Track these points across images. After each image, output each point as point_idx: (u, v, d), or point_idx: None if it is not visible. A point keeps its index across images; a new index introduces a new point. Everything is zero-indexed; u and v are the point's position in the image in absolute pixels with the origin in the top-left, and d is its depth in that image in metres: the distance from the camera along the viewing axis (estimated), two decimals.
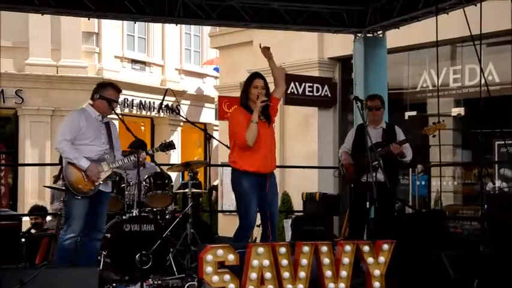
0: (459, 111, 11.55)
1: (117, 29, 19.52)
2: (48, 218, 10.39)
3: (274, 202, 6.11)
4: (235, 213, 6.48)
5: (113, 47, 19.56)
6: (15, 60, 18.27)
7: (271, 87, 6.20)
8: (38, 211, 10.32)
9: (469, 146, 11.49)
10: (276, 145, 6.18)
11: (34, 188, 16.83)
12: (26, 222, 10.31)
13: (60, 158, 6.21)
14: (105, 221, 6.30)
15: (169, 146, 6.56)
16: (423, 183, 11.47)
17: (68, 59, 18.47)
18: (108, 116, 6.25)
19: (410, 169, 10.93)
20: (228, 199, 14.75)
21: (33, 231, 8.92)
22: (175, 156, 20.56)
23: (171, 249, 6.80)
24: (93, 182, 5.92)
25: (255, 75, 6.14)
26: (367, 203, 6.23)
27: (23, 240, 7.84)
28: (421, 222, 6.56)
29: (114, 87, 6.26)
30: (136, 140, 7.35)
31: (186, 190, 7.32)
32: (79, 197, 5.89)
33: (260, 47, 6.16)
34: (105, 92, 6.10)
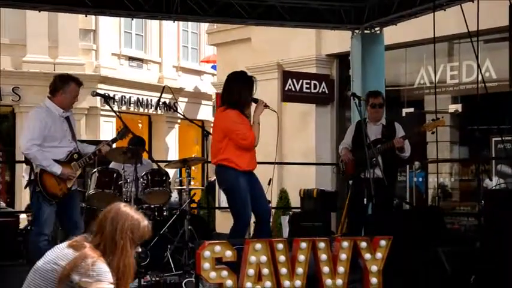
0: (456, 107, 11.56)
1: (115, 26, 19.51)
2: None
3: (264, 197, 6.14)
4: None
5: (110, 44, 19.55)
6: (12, 57, 18.26)
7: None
8: None
9: (466, 142, 11.51)
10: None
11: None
12: (23, 219, 10.31)
13: (27, 160, 5.96)
14: (80, 217, 6.25)
15: (125, 132, 6.43)
16: (420, 179, 11.48)
17: (65, 56, 18.45)
18: (105, 112, 6.22)
19: (408, 166, 10.94)
20: (225, 196, 14.76)
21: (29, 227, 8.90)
22: (172, 154, 20.59)
23: (169, 246, 6.80)
24: (67, 185, 5.87)
25: (252, 80, 6.23)
26: (365, 199, 6.24)
27: (21, 237, 7.83)
28: (419, 218, 6.57)
29: (76, 80, 6.04)
30: (135, 137, 7.35)
31: (184, 186, 7.32)
32: (53, 202, 5.85)
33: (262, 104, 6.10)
34: (69, 87, 5.91)
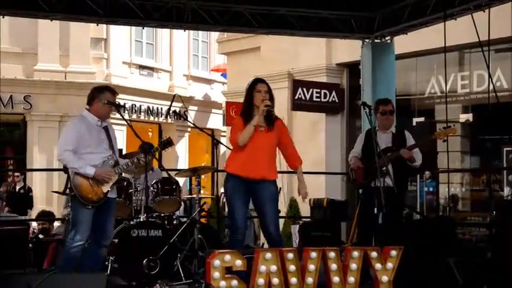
0: (467, 117, 11.52)
1: (125, 35, 19.59)
2: (56, 223, 10.43)
3: (266, 207, 6.02)
4: None
5: (121, 53, 19.63)
6: (24, 66, 18.37)
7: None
8: (45, 217, 10.36)
9: (477, 152, 11.46)
10: (274, 153, 6.11)
11: (42, 194, 16.85)
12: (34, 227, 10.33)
13: (65, 168, 6.05)
14: (113, 227, 6.28)
15: (167, 143, 6.48)
16: (431, 189, 11.43)
17: (76, 65, 18.54)
18: (115, 121, 6.23)
19: (418, 175, 10.90)
20: None
21: (41, 236, 8.94)
22: (182, 162, 20.60)
23: (179, 255, 6.78)
24: (102, 189, 5.90)
25: (257, 80, 6.19)
26: (375, 208, 6.20)
27: (31, 245, 7.85)
28: (430, 228, 6.53)
29: (111, 90, 6.19)
30: (144, 143, 7.34)
31: (194, 195, 7.31)
32: (89, 207, 5.86)
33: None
34: (103, 96, 6.02)
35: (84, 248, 5.88)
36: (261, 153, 5.97)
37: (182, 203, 7.98)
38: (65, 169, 6.09)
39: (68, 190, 6.02)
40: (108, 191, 5.95)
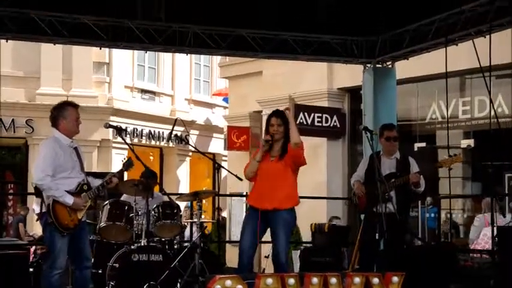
0: (469, 143, 11.52)
1: (128, 59, 19.69)
2: None
3: (276, 236, 6.02)
4: None
5: (123, 77, 19.72)
6: (26, 90, 18.44)
7: None
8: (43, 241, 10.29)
9: (479, 178, 11.43)
10: (288, 181, 6.08)
11: None
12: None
13: (37, 190, 5.92)
14: (89, 248, 6.20)
15: (129, 164, 6.33)
16: (432, 215, 11.39)
17: (78, 89, 18.59)
18: (117, 145, 6.21)
19: (420, 201, 10.87)
20: (236, 229, 14.70)
21: (41, 261, 8.88)
22: (183, 186, 20.58)
23: (179, 280, 6.75)
24: (78, 216, 5.85)
25: (271, 114, 6.23)
26: (377, 234, 6.18)
27: (31, 269, 7.80)
28: (431, 254, 6.49)
29: (72, 104, 6.07)
30: (147, 169, 7.34)
31: (195, 220, 7.29)
32: (65, 234, 5.80)
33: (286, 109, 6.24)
34: (67, 112, 5.94)
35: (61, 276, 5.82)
36: (273, 183, 6.00)
37: (183, 226, 7.95)
38: (37, 193, 5.95)
39: (41, 216, 5.89)
40: (84, 217, 5.93)
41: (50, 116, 6.00)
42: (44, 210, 5.83)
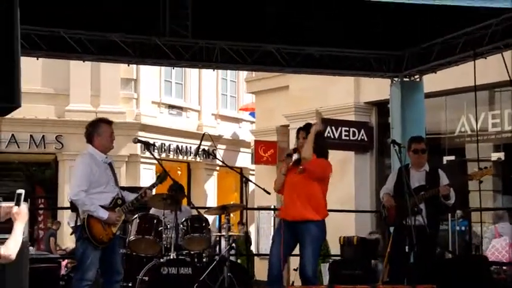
0: (499, 156, 11.40)
1: (155, 75, 19.87)
2: None
3: (303, 249, 6.04)
4: None
5: (151, 93, 19.89)
6: (56, 106, 18.69)
7: None
8: (74, 254, 10.39)
9: (509, 191, 11.29)
10: (313, 193, 6.10)
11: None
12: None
13: (73, 205, 6.06)
14: (120, 261, 6.29)
15: (163, 177, 6.57)
16: (463, 228, 11.27)
17: (106, 105, 18.79)
18: (145, 160, 6.31)
19: (450, 214, 10.76)
20: (264, 243, 14.68)
21: (71, 274, 8.97)
22: (211, 200, 20.64)
23: None
24: (112, 230, 5.94)
25: (299, 128, 6.34)
26: (407, 247, 6.14)
27: (62, 282, 7.89)
28: (463, 267, 6.43)
29: (106, 121, 6.23)
30: (175, 183, 7.40)
31: (223, 233, 7.32)
32: (99, 248, 5.91)
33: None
34: (101, 129, 6.08)
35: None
36: (298, 196, 6.05)
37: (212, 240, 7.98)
38: (73, 207, 6.07)
39: (76, 229, 5.98)
40: (118, 231, 6.00)
41: (85, 132, 6.14)
42: (79, 223, 5.92)
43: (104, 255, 5.96)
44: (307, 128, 6.22)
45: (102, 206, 5.93)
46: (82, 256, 5.94)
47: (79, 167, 6.08)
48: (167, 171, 6.69)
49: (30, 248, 12.50)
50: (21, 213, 3.60)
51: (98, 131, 6.08)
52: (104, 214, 5.87)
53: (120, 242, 6.61)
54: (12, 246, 3.51)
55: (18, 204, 3.58)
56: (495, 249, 8.39)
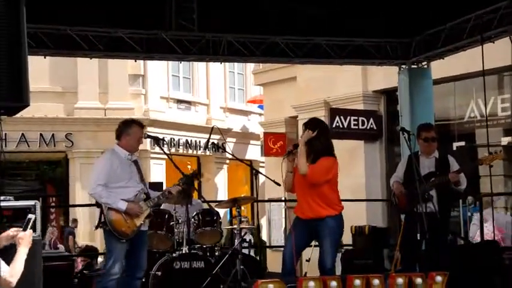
0: (509, 140, 11.34)
1: (163, 70, 19.90)
2: (100, 258, 10.53)
3: (321, 243, 6.02)
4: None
5: (159, 88, 19.92)
6: (64, 104, 18.77)
7: None
8: (88, 252, 10.47)
9: None
10: (322, 189, 6.01)
11: (85, 229, 17.08)
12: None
13: (97, 203, 6.20)
14: (146, 258, 6.32)
15: (194, 175, 6.60)
16: (474, 214, 11.22)
17: (115, 102, 18.85)
18: (154, 155, 6.35)
19: (461, 200, 10.73)
20: (276, 235, 14.71)
21: (85, 271, 9.03)
22: (222, 194, 20.68)
23: (222, 286, 6.79)
24: (135, 222, 5.98)
25: (303, 124, 6.27)
26: (418, 234, 6.12)
27: (76, 280, 7.94)
28: (475, 253, 6.41)
29: (138, 123, 6.36)
30: (184, 176, 7.40)
31: (235, 226, 7.33)
32: (124, 240, 5.96)
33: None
34: (131, 130, 6.19)
35: (119, 280, 5.95)
36: (309, 192, 5.98)
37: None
38: (97, 204, 6.20)
39: (101, 224, 6.07)
40: (141, 224, 6.03)
41: (117, 129, 6.28)
42: (103, 220, 6.00)
43: (130, 251, 6.01)
44: (310, 124, 6.17)
45: (124, 200, 5.99)
46: (108, 249, 6.07)
47: (99, 163, 6.26)
48: (176, 165, 6.67)
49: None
50: (25, 238, 3.59)
51: (128, 131, 6.18)
52: (123, 205, 5.94)
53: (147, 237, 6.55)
54: (15, 272, 3.52)
55: (25, 229, 3.59)
56: (485, 233, 8.56)
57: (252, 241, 9.82)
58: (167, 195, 6.28)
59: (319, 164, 5.95)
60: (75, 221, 17.15)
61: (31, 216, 3.64)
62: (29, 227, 3.61)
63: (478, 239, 8.65)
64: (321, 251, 5.99)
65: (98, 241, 15.08)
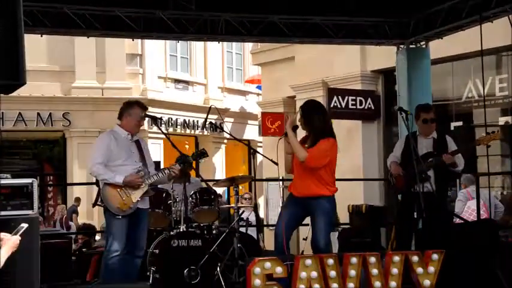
0: (507, 120, 11.35)
1: (160, 50, 19.83)
2: (98, 236, 10.59)
3: (314, 222, 6.03)
4: None
5: (156, 68, 19.87)
6: (62, 84, 18.73)
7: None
8: (86, 230, 10.51)
9: None
10: (320, 172, 6.03)
11: (83, 208, 17.12)
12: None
13: (97, 182, 6.28)
14: (146, 238, 6.37)
15: (201, 154, 6.65)
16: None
17: (112, 81, 18.82)
18: (152, 134, 6.38)
19: (458, 180, 10.76)
20: (273, 214, 14.74)
21: (84, 249, 9.08)
22: (219, 173, 20.72)
23: (219, 264, 6.83)
24: (131, 199, 6.00)
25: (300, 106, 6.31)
26: (415, 213, 6.16)
27: (74, 258, 7.98)
28: (472, 232, 6.45)
29: (141, 104, 6.41)
30: (183, 155, 7.41)
31: (233, 205, 7.35)
32: (119, 217, 5.99)
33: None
34: (133, 110, 6.24)
35: (120, 258, 5.98)
36: (306, 172, 6.02)
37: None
38: (97, 182, 6.28)
39: (98, 202, 6.13)
40: (138, 200, 6.05)
41: (120, 108, 6.33)
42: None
43: (130, 229, 6.05)
44: (302, 106, 6.18)
45: None
46: (107, 227, 6.15)
47: (97, 143, 6.34)
48: (174, 144, 6.69)
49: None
50: (10, 240, 3.52)
51: (130, 111, 6.24)
52: (120, 179, 5.99)
53: (148, 217, 6.56)
54: None
55: (16, 234, 3.56)
56: (472, 209, 8.84)
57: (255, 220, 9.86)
58: (168, 174, 6.28)
59: (318, 149, 5.98)
60: (78, 199, 17.19)
61: (24, 225, 3.62)
62: (18, 233, 3.57)
63: (464, 215, 8.86)
64: (314, 230, 6.02)
65: (95, 219, 15.17)
